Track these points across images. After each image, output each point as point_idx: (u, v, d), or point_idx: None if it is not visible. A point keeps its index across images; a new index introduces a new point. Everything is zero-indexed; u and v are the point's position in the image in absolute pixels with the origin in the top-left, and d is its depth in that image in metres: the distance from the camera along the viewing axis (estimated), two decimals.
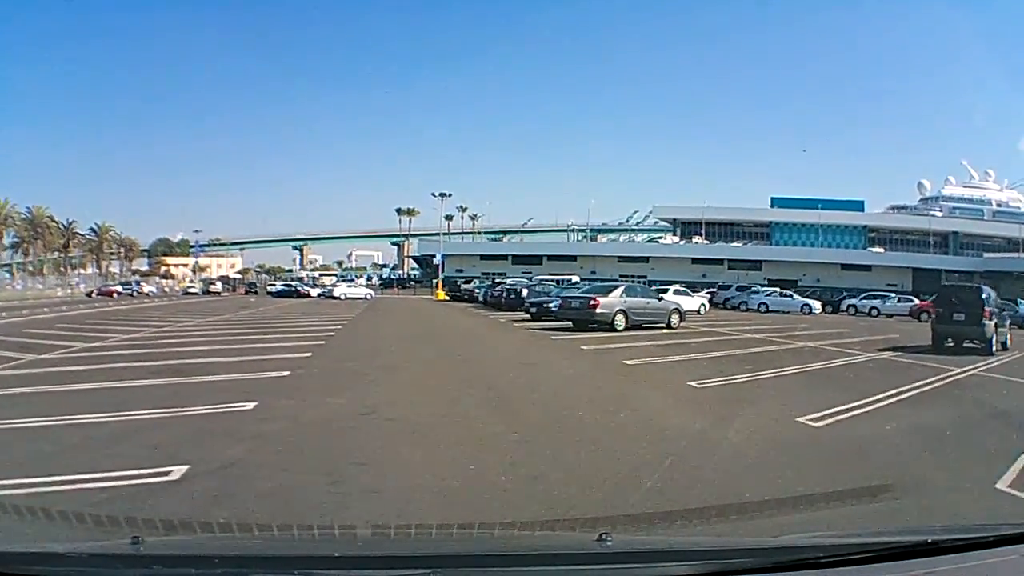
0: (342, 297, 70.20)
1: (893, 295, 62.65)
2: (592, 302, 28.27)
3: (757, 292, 62.47)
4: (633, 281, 74.50)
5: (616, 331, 27.50)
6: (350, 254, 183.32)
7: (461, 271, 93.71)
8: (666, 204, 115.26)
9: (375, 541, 4.59)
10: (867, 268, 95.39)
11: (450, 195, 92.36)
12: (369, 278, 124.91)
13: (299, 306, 53.77)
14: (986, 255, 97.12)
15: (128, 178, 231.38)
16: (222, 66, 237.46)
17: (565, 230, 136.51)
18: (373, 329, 30.65)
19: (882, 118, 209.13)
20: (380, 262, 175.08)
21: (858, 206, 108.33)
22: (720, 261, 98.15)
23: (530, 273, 79.80)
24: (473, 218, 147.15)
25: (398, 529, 5.48)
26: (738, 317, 45.13)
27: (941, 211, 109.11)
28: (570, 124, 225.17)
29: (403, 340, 24.95)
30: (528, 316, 36.29)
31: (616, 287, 30.54)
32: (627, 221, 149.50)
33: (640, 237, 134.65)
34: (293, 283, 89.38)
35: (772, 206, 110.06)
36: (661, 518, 6.19)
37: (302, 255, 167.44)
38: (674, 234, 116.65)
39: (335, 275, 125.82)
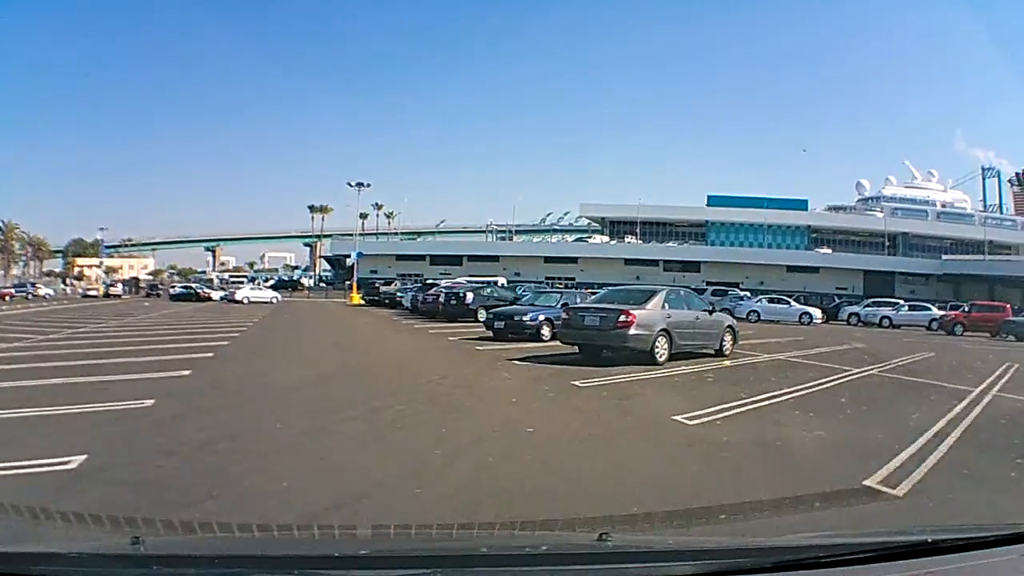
0: (244, 301, 61.20)
1: (902, 302, 53.57)
2: (624, 318, 17.17)
3: (743, 298, 52.83)
4: (560, 284, 66.04)
5: (656, 363, 17.02)
6: (263, 256, 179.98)
7: (376, 272, 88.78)
8: (594, 202, 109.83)
9: (375, 541, 4.26)
10: (815, 270, 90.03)
11: (368, 185, 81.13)
12: (266, 279, 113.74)
13: (189, 313, 43.33)
14: (945, 257, 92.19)
15: (44, 179, 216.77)
16: (135, 65, 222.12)
17: (484, 231, 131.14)
18: (264, 362, 18.37)
19: (822, 116, 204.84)
20: (293, 263, 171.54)
21: (801, 205, 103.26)
22: (655, 262, 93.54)
23: (449, 274, 74.38)
24: (388, 216, 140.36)
25: (398, 529, 4.87)
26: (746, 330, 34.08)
27: (882, 211, 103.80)
28: (487, 122, 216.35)
29: (320, 395, 12.48)
30: (490, 333, 25.32)
31: (654, 293, 19.08)
32: (541, 222, 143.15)
33: (554, 238, 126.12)
34: (194, 285, 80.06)
35: (708, 204, 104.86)
36: (661, 518, 5.68)
37: (215, 256, 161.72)
38: (603, 234, 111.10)
39: (246, 277, 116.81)
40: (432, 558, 2.53)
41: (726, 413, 10.83)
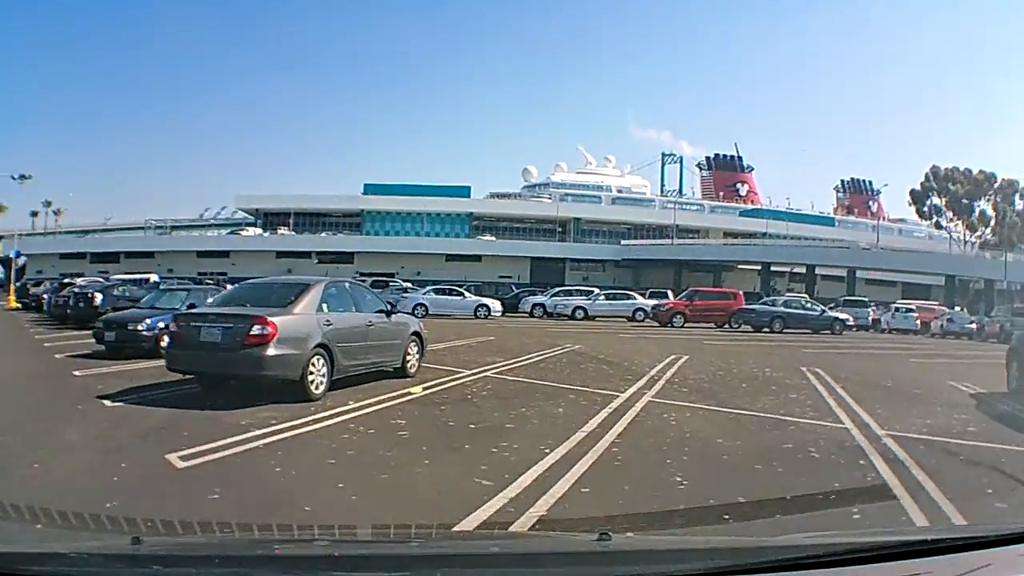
0: None
1: (598, 291, 51.15)
2: (258, 330, 11.28)
3: (407, 290, 48.48)
4: (211, 281, 59.47)
5: (312, 398, 11.60)
6: None
7: (41, 272, 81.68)
8: (249, 194, 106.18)
9: (375, 541, 4.22)
10: (477, 258, 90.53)
11: (30, 177, 72.50)
12: None
13: None
14: (624, 242, 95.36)
15: None
16: None
17: (143, 227, 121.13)
18: None
19: (489, 105, 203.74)
20: None
21: (463, 192, 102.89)
22: (308, 254, 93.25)
23: (106, 272, 66.71)
24: (57, 213, 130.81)
25: (398, 529, 4.84)
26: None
27: (551, 198, 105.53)
28: (141, 114, 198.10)
29: None
30: (102, 347, 18.92)
31: (306, 289, 12.91)
32: (200, 217, 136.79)
33: (212, 232, 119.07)
34: None
35: (365, 193, 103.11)
36: (661, 518, 5.71)
37: None
38: (256, 226, 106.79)
39: None
40: (432, 558, 2.51)
41: None
